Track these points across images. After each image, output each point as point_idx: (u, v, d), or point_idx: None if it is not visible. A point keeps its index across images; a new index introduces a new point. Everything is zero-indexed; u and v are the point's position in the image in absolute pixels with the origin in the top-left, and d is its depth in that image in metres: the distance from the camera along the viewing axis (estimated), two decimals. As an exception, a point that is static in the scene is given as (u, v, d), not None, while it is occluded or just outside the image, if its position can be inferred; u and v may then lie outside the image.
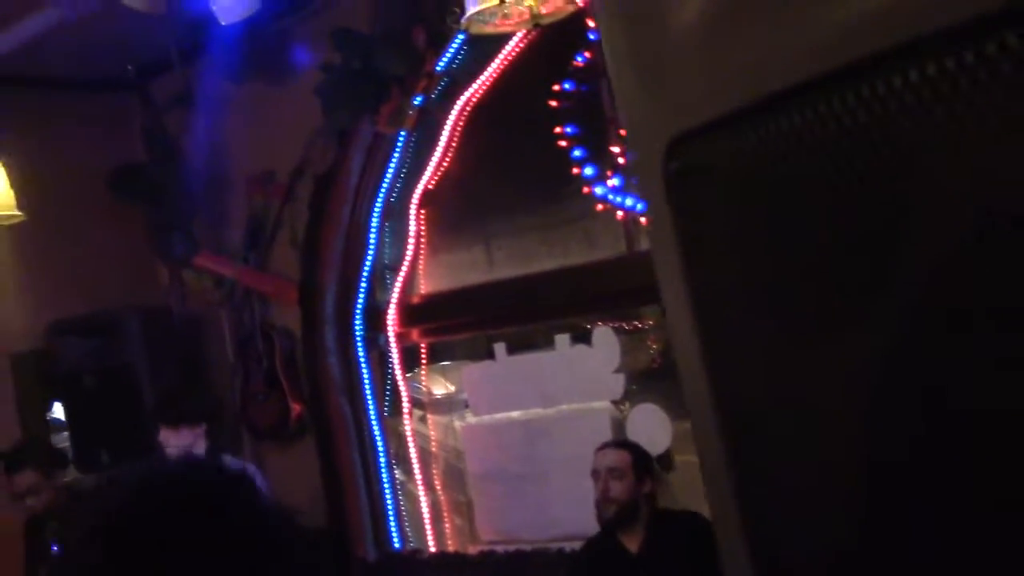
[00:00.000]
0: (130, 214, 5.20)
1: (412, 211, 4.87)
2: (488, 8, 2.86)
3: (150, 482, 1.67)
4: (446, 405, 5.12)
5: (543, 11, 2.93)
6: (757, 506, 0.77)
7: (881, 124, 0.54)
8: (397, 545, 4.96)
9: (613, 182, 4.25)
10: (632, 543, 3.49)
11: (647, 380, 4.42)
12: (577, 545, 4.24)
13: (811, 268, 0.61)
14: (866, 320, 0.59)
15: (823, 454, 0.73)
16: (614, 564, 3.50)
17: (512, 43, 4.44)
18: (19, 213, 3.92)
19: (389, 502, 4.99)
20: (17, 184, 4.06)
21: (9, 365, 4.88)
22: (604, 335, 4.44)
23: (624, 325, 4.48)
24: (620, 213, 4.27)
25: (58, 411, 4.88)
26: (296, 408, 4.96)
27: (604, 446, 3.71)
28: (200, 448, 4.09)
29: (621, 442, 3.76)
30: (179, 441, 4.10)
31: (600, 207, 4.32)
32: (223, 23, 3.94)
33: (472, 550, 4.72)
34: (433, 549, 4.84)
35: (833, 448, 0.71)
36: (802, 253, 0.61)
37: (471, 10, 2.87)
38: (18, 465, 4.14)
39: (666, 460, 4.38)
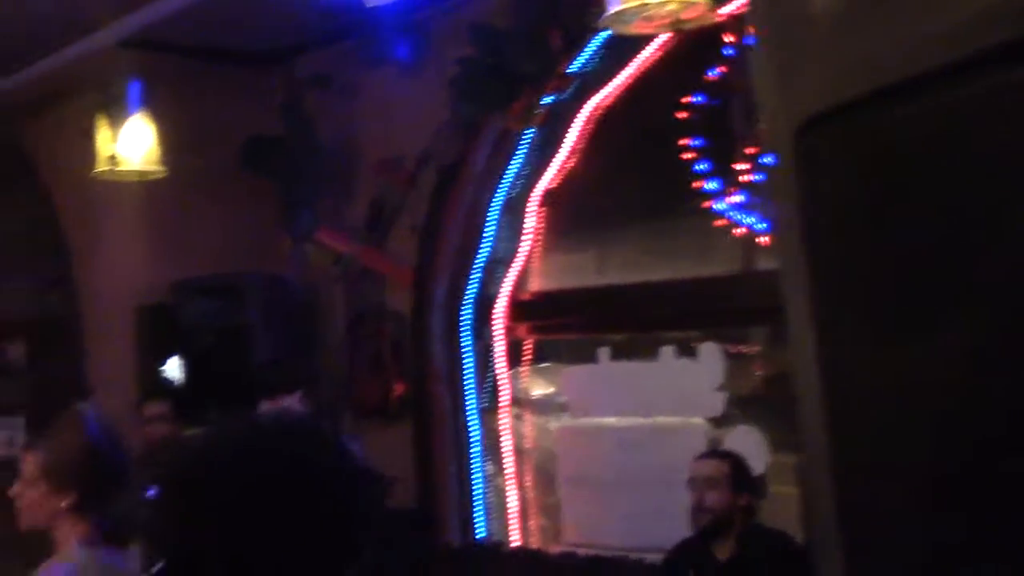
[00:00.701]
0: (260, 185, 5.38)
1: (531, 208, 4.92)
2: (630, 8, 2.88)
3: (237, 432, 1.76)
4: (544, 406, 5.15)
5: (685, 16, 2.93)
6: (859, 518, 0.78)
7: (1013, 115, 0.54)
8: (481, 535, 5.01)
9: (735, 199, 4.22)
10: (722, 552, 3.46)
11: (747, 405, 4.38)
12: (659, 558, 4.23)
13: (928, 256, 0.62)
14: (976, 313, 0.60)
15: (928, 457, 0.73)
16: (702, 570, 3.48)
17: (648, 50, 4.45)
18: (161, 168, 4.10)
19: (478, 493, 5.05)
20: (158, 144, 4.27)
21: (134, 317, 5.11)
22: (710, 351, 4.41)
23: (730, 348, 4.45)
24: (739, 230, 4.24)
25: (173, 366, 5.08)
26: (398, 389, 5.05)
27: (703, 455, 3.68)
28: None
29: (720, 452, 3.72)
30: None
31: (719, 223, 4.29)
32: (368, 5, 4.04)
33: (554, 550, 4.74)
34: (516, 544, 4.88)
35: (940, 453, 0.71)
36: (924, 238, 0.62)
37: (612, 9, 2.89)
38: (154, 394, 4.49)
39: (760, 488, 4.32)
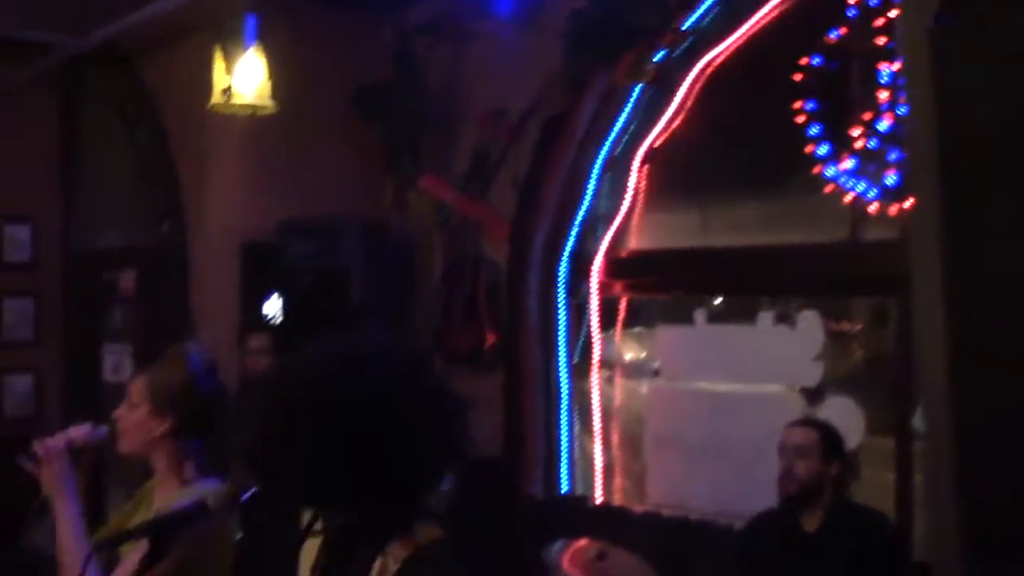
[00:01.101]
0: (367, 129, 5.44)
1: (635, 166, 4.87)
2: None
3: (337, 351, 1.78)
4: (635, 369, 5.13)
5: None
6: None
7: None
8: (564, 491, 5.03)
9: (847, 165, 4.11)
10: (810, 523, 3.41)
11: (845, 383, 4.28)
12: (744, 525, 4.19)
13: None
14: None
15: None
16: (787, 539, 3.43)
17: (765, 8, 4.34)
18: (272, 104, 4.17)
19: (564, 447, 5.06)
20: (270, 81, 4.34)
21: (238, 253, 5.23)
22: (810, 320, 4.32)
23: (831, 324, 4.35)
24: (848, 197, 4.13)
25: (274, 304, 5.19)
26: (490, 340, 5.08)
27: (794, 423, 3.61)
28: None
29: (811, 420, 3.63)
30: None
31: (828, 189, 4.18)
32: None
33: (638, 509, 4.73)
34: (600, 501, 4.89)
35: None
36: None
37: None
38: (259, 327, 4.61)
39: (853, 465, 4.24)
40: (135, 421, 2.51)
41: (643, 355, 5.07)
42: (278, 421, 1.65)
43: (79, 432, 2.51)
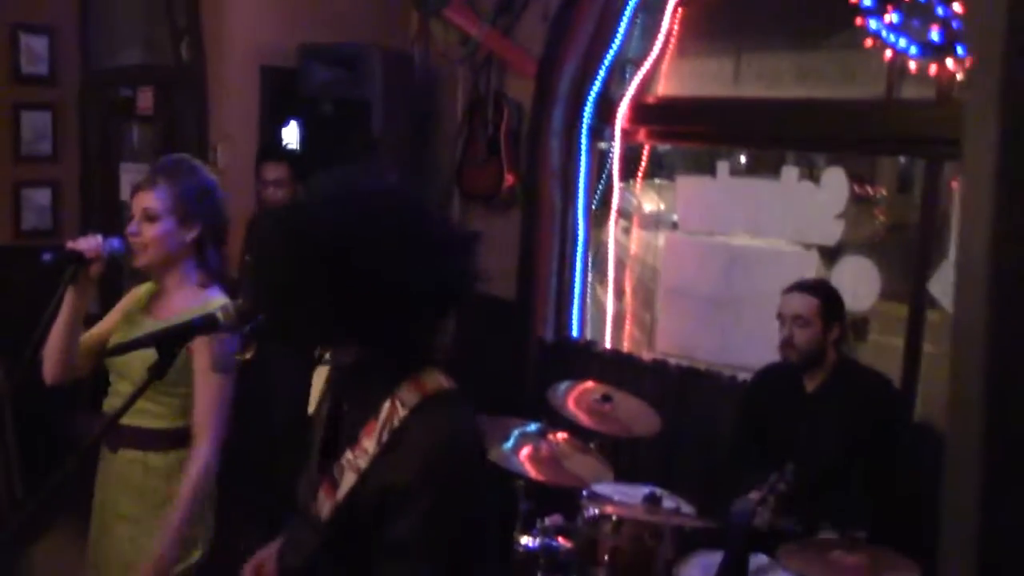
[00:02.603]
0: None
1: (669, 8, 4.69)
2: None
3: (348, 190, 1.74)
4: (653, 219, 5.08)
5: None
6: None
7: None
8: (575, 335, 5.07)
9: (891, 18, 3.94)
10: (811, 383, 3.42)
11: (864, 246, 4.24)
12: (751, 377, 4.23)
13: None
14: None
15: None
16: (787, 397, 3.46)
17: None
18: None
19: (577, 292, 5.08)
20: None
21: (258, 76, 5.12)
22: (835, 176, 4.25)
23: (856, 187, 4.27)
24: (888, 53, 3.98)
25: (291, 131, 5.12)
26: (510, 179, 5.02)
27: (791, 288, 3.49)
28: None
29: (809, 285, 3.48)
30: None
31: (868, 42, 4.03)
32: None
33: (647, 356, 4.77)
34: (608, 347, 4.93)
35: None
36: None
37: None
38: (275, 155, 4.54)
39: (862, 328, 4.24)
40: (161, 232, 2.54)
41: (662, 206, 5.02)
42: (292, 266, 1.63)
43: (94, 242, 2.52)
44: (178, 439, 2.60)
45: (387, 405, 1.71)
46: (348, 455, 1.74)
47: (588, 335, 5.08)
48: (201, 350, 2.51)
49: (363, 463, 1.71)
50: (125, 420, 2.37)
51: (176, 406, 2.58)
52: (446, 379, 1.77)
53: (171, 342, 1.75)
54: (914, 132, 3.93)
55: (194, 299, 2.60)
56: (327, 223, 1.64)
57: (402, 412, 1.70)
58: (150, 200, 2.54)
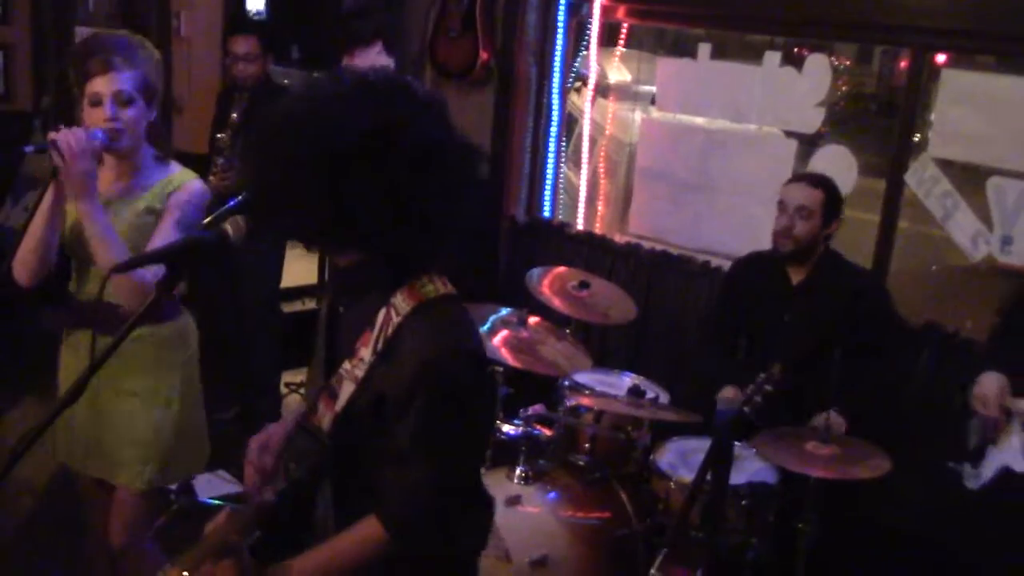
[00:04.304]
0: None
1: None
2: None
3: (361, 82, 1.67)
4: (629, 98, 5.00)
5: None
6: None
7: None
8: (547, 215, 5.04)
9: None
10: (796, 274, 3.44)
11: (839, 123, 4.21)
12: (724, 263, 4.26)
13: None
14: None
15: None
16: (771, 287, 3.48)
17: None
18: None
19: (550, 173, 5.02)
20: None
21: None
22: (817, 63, 4.19)
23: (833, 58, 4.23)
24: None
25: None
26: (484, 55, 4.89)
27: (797, 179, 3.50)
28: (382, 64, 4.07)
29: (815, 178, 3.47)
30: (361, 63, 4.11)
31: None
32: None
33: (619, 239, 4.77)
34: (580, 228, 4.91)
35: None
36: None
37: None
38: (245, 28, 4.38)
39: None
40: (137, 114, 2.53)
41: (640, 85, 4.94)
42: (300, 164, 1.57)
43: (81, 135, 2.44)
44: (169, 308, 2.68)
45: (382, 313, 1.69)
46: (346, 365, 1.72)
47: (560, 215, 5.06)
48: (172, 206, 2.56)
49: (360, 372, 1.70)
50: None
51: None
52: (443, 283, 1.74)
53: (181, 258, 1.70)
54: (900, 21, 3.88)
55: (160, 173, 2.64)
56: (346, 124, 1.57)
57: (396, 319, 1.68)
58: (120, 83, 2.49)
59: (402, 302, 1.68)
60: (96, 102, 2.50)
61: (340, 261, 1.75)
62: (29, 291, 2.58)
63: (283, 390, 4.91)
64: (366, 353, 1.69)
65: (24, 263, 2.53)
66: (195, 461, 2.85)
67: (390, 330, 1.68)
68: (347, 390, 1.70)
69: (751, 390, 2.63)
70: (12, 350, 4.35)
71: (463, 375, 1.69)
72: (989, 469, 2.90)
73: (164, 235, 2.51)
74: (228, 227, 1.73)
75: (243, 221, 1.77)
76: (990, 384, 2.78)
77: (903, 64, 5.55)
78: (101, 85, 2.49)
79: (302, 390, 5.02)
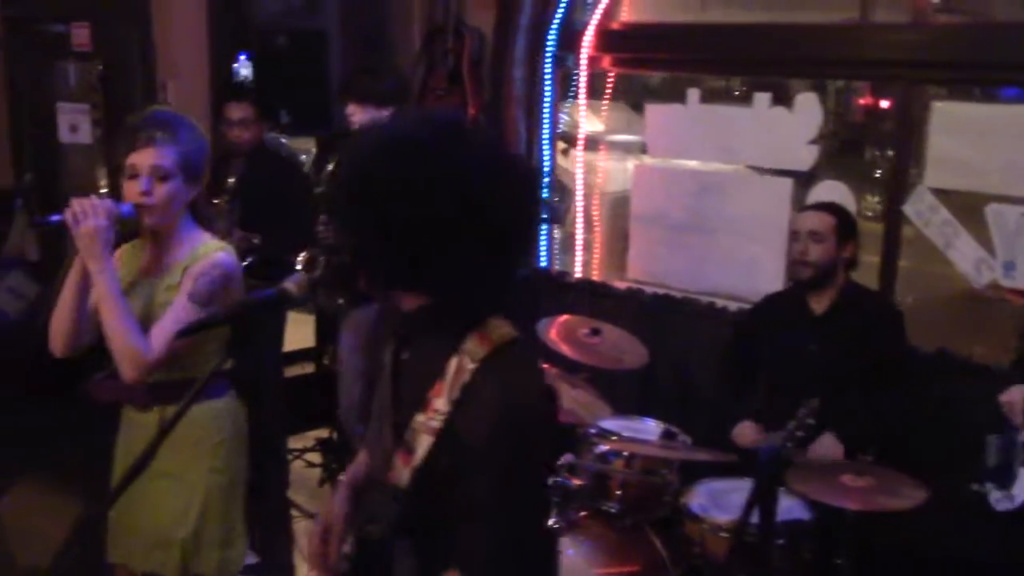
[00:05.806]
0: None
1: (634, -70, 4.60)
2: None
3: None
4: (621, 145, 5.04)
5: None
6: None
7: None
8: (543, 265, 5.04)
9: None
10: (818, 305, 3.46)
11: (836, 159, 4.27)
12: (728, 304, 4.28)
13: None
14: None
15: None
16: (794, 320, 3.49)
17: None
18: None
19: (544, 224, 5.03)
20: None
21: (205, 5, 4.90)
22: (808, 101, 4.26)
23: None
24: (862, -24, 3.98)
25: (245, 64, 4.93)
26: (473, 111, 4.92)
27: (807, 207, 3.59)
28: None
29: (824, 205, 3.56)
30: (363, 117, 4.13)
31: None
32: None
33: (619, 285, 4.78)
34: (579, 276, 4.92)
35: None
36: None
37: None
38: (239, 95, 4.40)
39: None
40: (173, 191, 2.48)
41: (630, 133, 4.98)
42: (380, 209, 1.56)
43: (95, 199, 2.42)
44: (216, 387, 2.65)
45: (454, 362, 1.66)
46: (419, 418, 1.69)
47: (557, 265, 5.06)
48: (187, 279, 2.52)
49: (436, 423, 1.66)
50: (158, 376, 2.43)
51: (211, 351, 2.56)
52: (509, 326, 1.72)
53: (243, 318, 1.68)
54: (888, 56, 3.96)
55: (190, 247, 2.59)
56: (445, 188, 1.56)
57: (471, 366, 1.65)
58: (159, 158, 2.46)
59: (476, 347, 1.66)
60: (133, 175, 2.49)
61: (406, 304, 1.72)
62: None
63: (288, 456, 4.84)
64: (441, 404, 1.66)
65: (57, 331, 2.50)
66: (229, 559, 2.71)
67: (466, 377, 1.65)
68: (424, 443, 1.67)
69: (793, 426, 2.62)
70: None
71: (541, 428, 1.68)
72: (1022, 490, 2.91)
73: (173, 309, 2.48)
74: (291, 286, 1.71)
75: (304, 280, 1.75)
76: (1018, 391, 2.82)
77: (861, 101, 5.69)
78: (140, 158, 2.47)
79: (307, 455, 4.95)
